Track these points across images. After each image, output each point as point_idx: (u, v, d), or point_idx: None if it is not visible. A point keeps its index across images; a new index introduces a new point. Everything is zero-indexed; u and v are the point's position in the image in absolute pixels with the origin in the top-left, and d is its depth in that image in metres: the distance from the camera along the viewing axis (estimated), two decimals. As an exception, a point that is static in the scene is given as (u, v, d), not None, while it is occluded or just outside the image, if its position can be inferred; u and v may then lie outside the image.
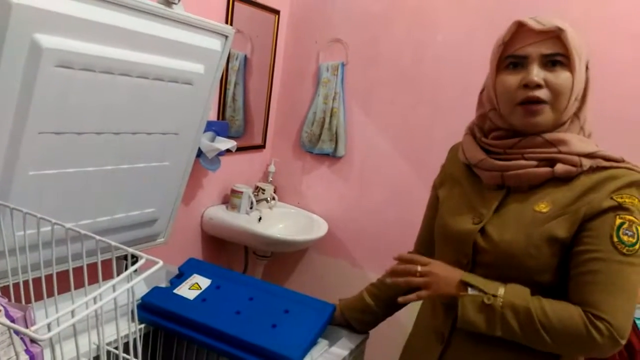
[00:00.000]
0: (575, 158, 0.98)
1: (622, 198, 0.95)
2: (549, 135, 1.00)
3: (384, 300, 1.33)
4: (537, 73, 0.98)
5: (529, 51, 0.99)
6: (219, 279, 1.43)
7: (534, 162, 1.01)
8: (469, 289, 1.00)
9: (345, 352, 1.26)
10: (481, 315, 0.98)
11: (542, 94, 0.99)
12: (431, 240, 1.22)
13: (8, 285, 1.00)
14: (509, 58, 1.03)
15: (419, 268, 1.06)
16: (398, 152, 2.23)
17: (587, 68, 1.02)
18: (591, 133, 1.06)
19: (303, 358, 1.21)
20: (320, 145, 2.34)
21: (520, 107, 1.01)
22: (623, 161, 0.99)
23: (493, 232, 1.02)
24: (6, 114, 1.00)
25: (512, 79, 1.01)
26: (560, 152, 0.99)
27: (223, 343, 1.24)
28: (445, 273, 1.05)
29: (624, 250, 0.93)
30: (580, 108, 1.02)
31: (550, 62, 0.98)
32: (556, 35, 0.97)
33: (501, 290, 0.98)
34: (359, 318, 1.35)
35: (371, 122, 2.27)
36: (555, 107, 0.99)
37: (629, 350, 1.33)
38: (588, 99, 1.03)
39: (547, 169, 1.00)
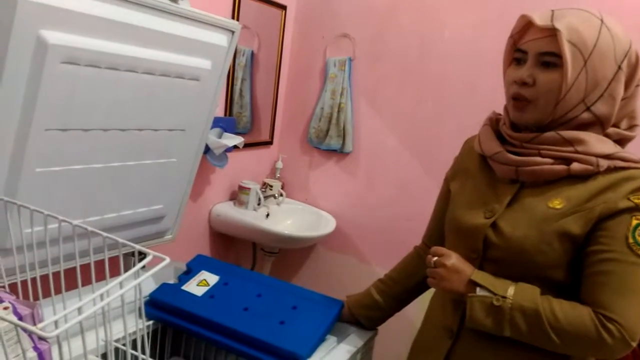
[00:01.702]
0: (592, 158, 0.96)
1: (638, 199, 0.93)
2: (566, 133, 0.99)
3: (391, 296, 1.32)
4: (526, 71, 0.98)
5: (529, 47, 0.99)
6: (227, 276, 1.43)
7: (550, 160, 0.99)
8: (478, 288, 1.00)
9: (354, 349, 1.26)
10: (489, 316, 0.98)
11: (527, 92, 0.99)
12: (440, 233, 1.21)
13: (16, 283, 1.01)
14: (516, 52, 1.03)
15: (434, 258, 1.06)
16: (406, 147, 2.21)
17: (619, 68, 0.96)
18: (623, 135, 1.01)
19: (311, 355, 1.21)
20: (328, 141, 2.33)
21: (512, 101, 1.02)
22: None
23: (505, 227, 1.01)
24: (12, 111, 1.00)
25: (511, 73, 1.03)
26: (577, 152, 0.97)
27: (231, 340, 1.23)
28: (457, 267, 1.03)
29: (639, 252, 0.92)
30: (601, 109, 0.98)
31: (545, 62, 0.97)
32: (555, 32, 0.95)
33: (510, 291, 0.97)
34: (367, 314, 1.34)
35: (379, 117, 2.26)
36: (539, 106, 0.98)
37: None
38: (618, 100, 0.98)
39: (563, 167, 0.98)
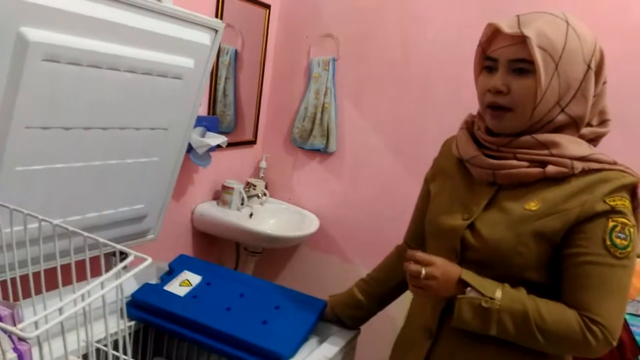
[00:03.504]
0: (567, 161, 0.98)
1: (614, 201, 0.95)
2: (540, 137, 1.00)
3: (374, 296, 1.33)
4: (499, 79, 0.99)
5: (499, 55, 1.00)
6: (209, 276, 1.42)
7: (525, 163, 1.00)
8: (468, 289, 0.99)
9: (337, 348, 1.26)
10: (477, 317, 0.98)
11: (504, 100, 0.99)
12: (421, 233, 1.22)
13: (-5, 283, 0.99)
14: (486, 60, 1.03)
15: (423, 272, 1.00)
16: (389, 147, 2.22)
17: (588, 67, 0.98)
18: (597, 133, 1.04)
19: (294, 354, 1.21)
20: (312, 141, 2.33)
21: (488, 110, 1.03)
22: (615, 163, 0.99)
23: (482, 229, 1.02)
24: (-8, 108, 0.98)
25: (484, 82, 1.03)
26: (551, 155, 0.99)
27: (214, 340, 1.23)
28: (446, 276, 1.01)
29: (617, 254, 0.94)
30: (575, 110, 1.00)
31: (517, 69, 0.98)
32: (524, 39, 0.95)
33: (498, 293, 0.97)
34: (350, 314, 1.34)
35: (362, 117, 2.27)
36: (518, 113, 0.99)
37: (619, 345, 1.34)
38: (590, 99, 1.00)
39: (538, 170, 0.99)
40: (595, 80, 1.00)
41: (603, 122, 1.06)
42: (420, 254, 1.03)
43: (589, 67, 0.98)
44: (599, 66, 1.01)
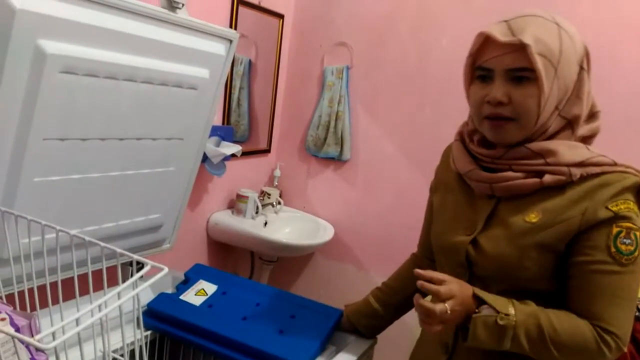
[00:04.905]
0: (564, 168, 0.94)
1: (617, 206, 0.92)
2: (534, 146, 0.97)
3: (390, 305, 1.31)
4: (499, 89, 0.94)
5: (494, 64, 0.95)
6: (225, 285, 1.42)
7: (521, 174, 0.97)
8: (482, 306, 0.95)
9: (354, 358, 1.25)
10: (493, 335, 0.93)
11: (506, 110, 0.94)
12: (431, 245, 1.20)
13: (13, 293, 1.00)
14: (477, 70, 0.99)
15: (448, 307, 0.92)
16: (404, 155, 2.22)
17: (581, 68, 0.95)
18: (592, 128, 1.01)
19: (310, 364, 1.20)
20: (326, 149, 2.33)
21: (487, 121, 0.98)
22: (615, 164, 0.95)
23: (485, 245, 1.00)
24: (10, 120, 1.00)
25: (479, 92, 0.98)
26: (547, 164, 0.96)
27: (230, 349, 1.23)
28: (463, 299, 0.94)
29: (623, 260, 0.91)
30: (571, 112, 0.97)
31: (516, 77, 0.93)
32: (522, 47, 0.91)
33: (511, 309, 0.93)
34: (366, 323, 1.33)
35: (376, 125, 2.26)
36: (522, 123, 0.95)
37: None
38: (585, 99, 0.97)
39: (535, 180, 0.96)
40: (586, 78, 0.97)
41: (593, 115, 1.02)
42: (431, 287, 0.94)
43: (581, 67, 0.96)
44: (588, 63, 0.97)
